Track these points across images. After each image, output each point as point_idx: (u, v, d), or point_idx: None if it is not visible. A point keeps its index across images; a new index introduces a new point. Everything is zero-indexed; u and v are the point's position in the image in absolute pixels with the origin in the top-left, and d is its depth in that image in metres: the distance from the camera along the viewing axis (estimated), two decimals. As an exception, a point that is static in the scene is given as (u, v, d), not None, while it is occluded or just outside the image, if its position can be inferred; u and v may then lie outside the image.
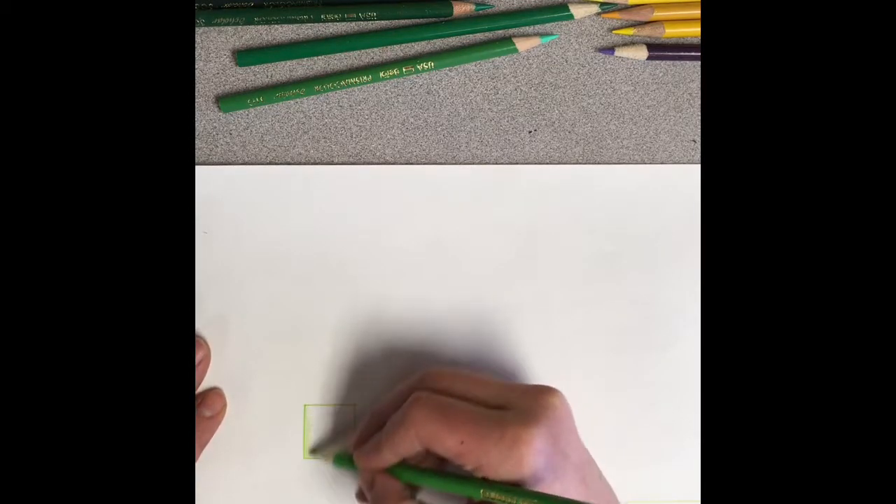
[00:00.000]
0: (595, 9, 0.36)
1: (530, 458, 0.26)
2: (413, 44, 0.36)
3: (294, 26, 0.36)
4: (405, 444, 0.28)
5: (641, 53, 0.36)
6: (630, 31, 0.36)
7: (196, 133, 0.35)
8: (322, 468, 0.34)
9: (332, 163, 0.36)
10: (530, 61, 0.36)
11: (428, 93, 0.36)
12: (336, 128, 0.36)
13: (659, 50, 0.36)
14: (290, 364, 0.34)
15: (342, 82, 0.35)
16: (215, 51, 0.36)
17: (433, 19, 0.36)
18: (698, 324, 0.35)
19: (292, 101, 0.36)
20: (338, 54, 0.36)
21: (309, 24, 0.36)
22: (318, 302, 0.35)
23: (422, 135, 0.36)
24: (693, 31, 0.36)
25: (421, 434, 0.28)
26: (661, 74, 0.37)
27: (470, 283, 0.35)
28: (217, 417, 0.33)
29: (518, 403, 0.28)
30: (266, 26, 0.36)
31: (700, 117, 0.36)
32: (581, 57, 0.36)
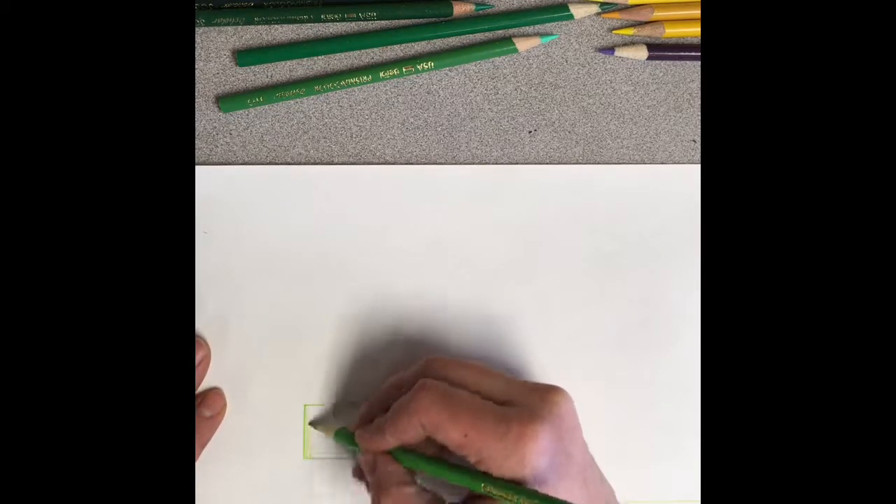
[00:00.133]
0: (595, 9, 0.36)
1: (533, 457, 0.26)
2: (413, 44, 0.36)
3: (294, 26, 0.36)
4: (409, 430, 0.28)
5: (641, 53, 0.36)
6: (630, 31, 0.36)
7: (196, 133, 0.35)
8: (322, 468, 0.34)
9: (332, 163, 0.36)
10: (530, 61, 0.36)
11: (428, 93, 0.36)
12: (336, 128, 0.36)
13: (659, 50, 0.36)
14: (290, 364, 0.34)
15: (342, 82, 0.35)
16: (215, 51, 0.36)
17: (433, 19, 0.36)
18: (698, 324, 0.35)
19: (292, 101, 0.36)
20: (338, 54, 0.36)
21: (309, 24, 0.36)
22: (318, 302, 0.35)
23: (422, 135, 0.36)
24: (693, 31, 0.36)
25: (425, 422, 0.27)
26: (661, 74, 0.37)
27: (470, 284, 0.35)
28: (217, 417, 0.33)
29: (524, 400, 0.28)
30: (266, 26, 0.36)
31: (700, 117, 0.36)
32: (581, 57, 0.36)
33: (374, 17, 0.35)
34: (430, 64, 0.35)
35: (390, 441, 0.29)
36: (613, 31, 0.36)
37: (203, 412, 0.33)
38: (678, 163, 0.36)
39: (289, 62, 0.36)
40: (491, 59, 0.36)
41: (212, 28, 0.36)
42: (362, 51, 0.36)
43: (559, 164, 0.36)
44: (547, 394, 0.28)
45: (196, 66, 0.36)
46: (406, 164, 0.36)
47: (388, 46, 0.36)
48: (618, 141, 0.36)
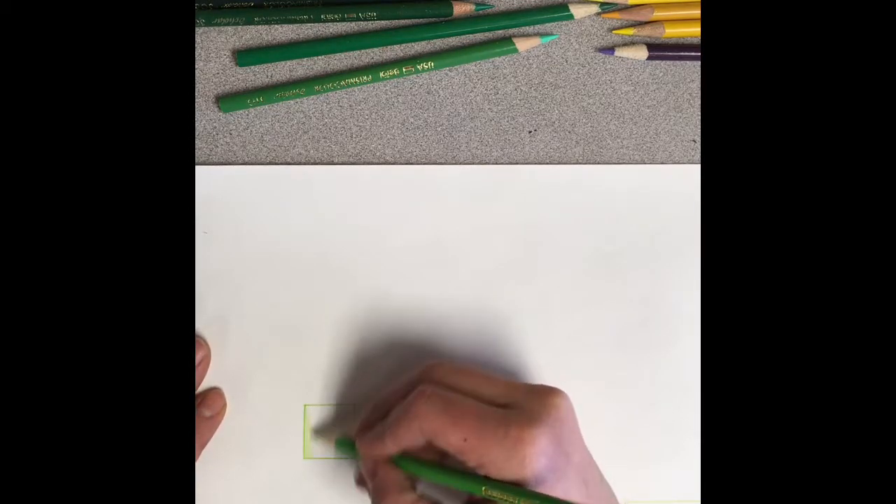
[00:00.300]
0: (595, 9, 0.36)
1: (533, 459, 0.26)
2: (413, 44, 0.36)
3: (294, 26, 0.36)
4: (408, 435, 0.28)
5: (641, 53, 0.36)
6: (630, 31, 0.36)
7: (196, 133, 0.35)
8: (322, 468, 0.34)
9: (332, 163, 0.36)
10: (530, 61, 0.36)
11: (428, 93, 0.36)
12: (336, 128, 0.36)
13: (659, 50, 0.36)
14: (290, 364, 0.34)
15: (342, 82, 0.35)
16: (215, 51, 0.36)
17: (433, 19, 0.36)
18: (698, 324, 0.35)
19: (292, 101, 0.36)
20: (338, 54, 0.36)
21: (309, 24, 0.36)
22: (318, 302, 0.35)
23: (422, 135, 0.36)
24: (693, 31, 0.36)
25: (425, 428, 0.28)
26: (661, 74, 0.37)
27: (470, 283, 0.35)
28: (217, 417, 0.33)
29: (523, 403, 0.28)
30: (266, 26, 0.36)
31: (700, 117, 0.36)
32: (581, 57, 0.36)
33: (374, 17, 0.35)
34: (430, 64, 0.35)
35: (390, 447, 0.29)
36: (613, 31, 0.36)
37: (203, 412, 0.33)
38: (678, 163, 0.36)
39: (289, 62, 0.36)
40: (491, 59, 0.36)
41: (212, 28, 0.36)
42: (362, 51, 0.36)
43: (559, 164, 0.36)
44: (545, 396, 0.28)
45: (196, 66, 0.36)
46: (406, 164, 0.36)
47: (388, 46, 0.36)
48: (618, 141, 0.36)
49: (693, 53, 0.36)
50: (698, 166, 0.36)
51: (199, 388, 0.34)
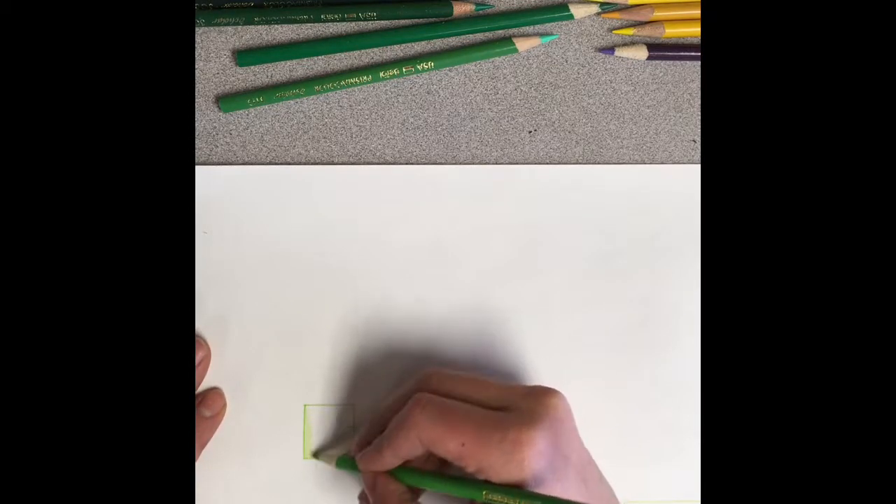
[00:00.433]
0: (595, 9, 0.36)
1: (531, 460, 0.26)
2: (413, 44, 0.36)
3: (294, 26, 0.36)
4: (407, 446, 0.28)
5: (641, 53, 0.36)
6: (630, 31, 0.36)
7: (196, 133, 0.35)
8: (322, 468, 0.34)
9: (332, 163, 0.36)
10: (530, 61, 0.36)
11: (428, 93, 0.36)
12: (336, 128, 0.36)
13: (659, 50, 0.36)
14: (290, 364, 0.34)
15: (342, 82, 0.35)
16: (215, 51, 0.36)
17: (433, 19, 0.36)
18: (698, 324, 0.35)
19: (292, 101, 0.36)
20: (338, 54, 0.36)
21: (309, 24, 0.36)
22: (318, 302, 0.35)
23: (422, 135, 0.36)
24: (693, 31, 0.36)
25: (422, 436, 0.28)
26: (661, 74, 0.37)
27: (470, 284, 0.35)
28: (217, 417, 0.33)
29: (519, 405, 0.28)
30: (266, 26, 0.36)
31: (700, 117, 0.36)
32: (581, 57, 0.36)
33: (374, 17, 0.35)
34: (430, 64, 0.35)
35: (390, 459, 0.29)
36: (613, 31, 0.36)
37: (203, 412, 0.33)
38: (678, 163, 0.36)
39: (289, 62, 0.36)
40: (491, 59, 0.36)
41: (212, 28, 0.36)
42: (362, 51, 0.36)
43: (559, 164, 0.36)
44: (542, 397, 0.28)
45: (196, 66, 0.36)
46: (406, 164, 0.36)
47: (388, 46, 0.36)
48: (618, 141, 0.36)
49: (693, 53, 0.36)
50: (698, 166, 0.36)
51: (199, 388, 0.34)
